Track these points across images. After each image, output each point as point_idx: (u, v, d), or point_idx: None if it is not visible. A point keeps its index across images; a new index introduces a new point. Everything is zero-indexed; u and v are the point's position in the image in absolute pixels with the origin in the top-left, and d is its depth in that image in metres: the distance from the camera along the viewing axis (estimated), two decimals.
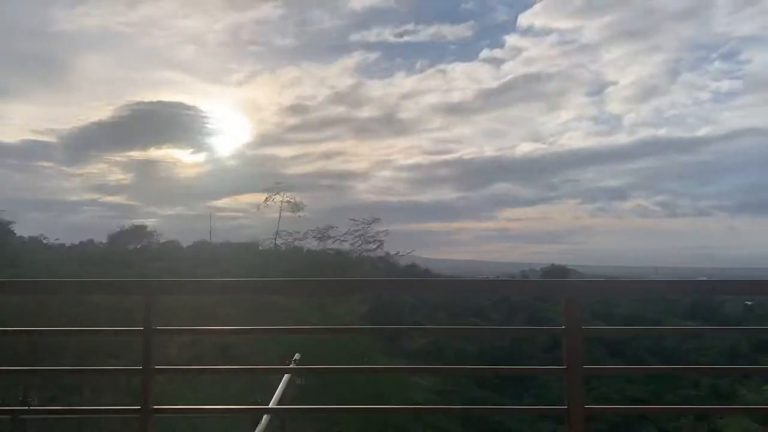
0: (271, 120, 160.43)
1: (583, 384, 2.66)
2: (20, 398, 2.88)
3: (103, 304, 11.94)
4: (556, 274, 44.62)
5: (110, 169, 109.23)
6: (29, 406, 2.92)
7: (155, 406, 2.72)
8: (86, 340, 10.00)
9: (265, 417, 3.60)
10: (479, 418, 18.02)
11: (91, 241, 35.84)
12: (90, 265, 23.08)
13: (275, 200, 31.98)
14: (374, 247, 26.70)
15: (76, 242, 35.29)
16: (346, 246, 27.72)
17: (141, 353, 2.75)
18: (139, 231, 36.78)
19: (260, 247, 29.26)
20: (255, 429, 3.48)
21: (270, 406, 3.72)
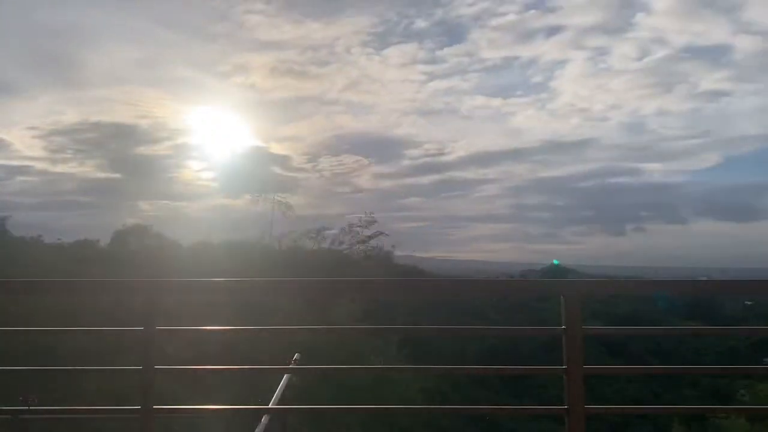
0: (269, 119, 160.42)
1: (583, 384, 2.66)
2: (20, 398, 2.88)
3: (104, 303, 11.95)
4: (556, 273, 44.68)
5: (106, 167, 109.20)
6: (29, 406, 2.91)
7: (155, 406, 2.72)
8: (87, 339, 9.99)
9: (265, 417, 3.60)
10: (479, 418, 18.02)
11: (89, 240, 35.79)
12: (91, 264, 23.10)
13: (267, 200, 31.92)
14: (370, 247, 26.65)
15: (73, 241, 35.28)
16: (342, 246, 27.66)
17: (142, 353, 2.76)
18: (140, 230, 36.76)
19: (257, 247, 29.26)
20: (255, 429, 3.48)
21: (270, 406, 3.72)
